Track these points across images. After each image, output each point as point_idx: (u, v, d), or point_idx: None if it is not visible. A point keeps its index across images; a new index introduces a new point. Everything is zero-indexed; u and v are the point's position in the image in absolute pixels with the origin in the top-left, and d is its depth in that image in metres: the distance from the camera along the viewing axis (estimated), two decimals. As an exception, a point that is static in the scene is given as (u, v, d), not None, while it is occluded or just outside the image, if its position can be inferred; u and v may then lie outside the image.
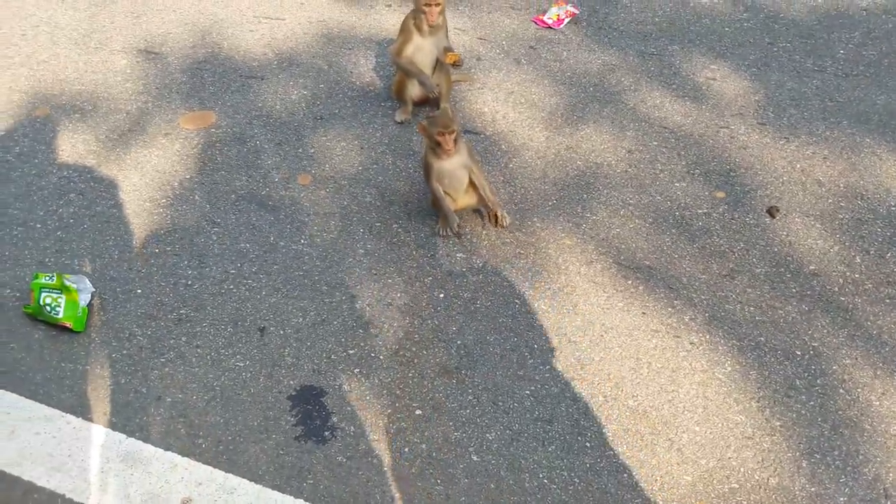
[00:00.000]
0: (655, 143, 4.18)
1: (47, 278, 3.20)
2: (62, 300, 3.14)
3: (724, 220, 3.71)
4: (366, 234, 3.66)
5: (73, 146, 4.11)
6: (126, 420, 2.86)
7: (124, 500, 2.62)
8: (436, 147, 3.41)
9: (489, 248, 3.58)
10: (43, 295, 3.14)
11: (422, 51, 4.16)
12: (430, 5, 4.03)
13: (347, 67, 4.72)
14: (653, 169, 4.01)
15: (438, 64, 4.23)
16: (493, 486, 2.68)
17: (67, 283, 3.20)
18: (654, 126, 4.29)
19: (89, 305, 3.22)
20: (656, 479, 2.68)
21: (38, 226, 3.65)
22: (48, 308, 3.13)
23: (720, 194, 3.87)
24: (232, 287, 3.38)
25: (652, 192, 3.86)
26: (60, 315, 3.12)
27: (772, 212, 3.76)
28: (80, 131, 4.20)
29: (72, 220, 3.68)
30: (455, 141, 3.39)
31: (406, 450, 2.79)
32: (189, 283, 3.40)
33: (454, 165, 3.50)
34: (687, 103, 4.46)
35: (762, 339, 3.16)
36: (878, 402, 2.91)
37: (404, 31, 4.17)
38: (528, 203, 3.81)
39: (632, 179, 3.94)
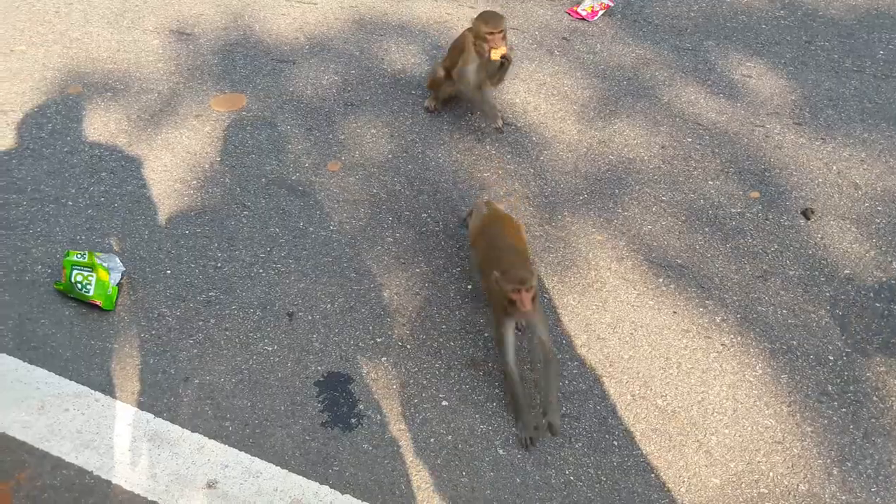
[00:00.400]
0: (689, 139, 4.13)
1: (79, 256, 3.22)
2: (93, 278, 3.15)
3: (757, 220, 3.66)
4: (395, 223, 3.65)
5: (104, 125, 4.12)
6: (154, 400, 2.88)
7: (151, 479, 2.64)
8: (509, 305, 2.77)
9: (518, 241, 3.55)
10: (74, 272, 3.16)
11: (480, 73, 3.93)
12: (493, 33, 3.74)
13: (379, 54, 4.69)
14: (686, 166, 3.96)
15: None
16: (518, 480, 2.67)
17: (99, 262, 3.21)
18: (688, 122, 4.23)
19: (119, 285, 3.24)
20: (684, 481, 2.66)
21: (70, 203, 3.67)
22: (79, 286, 3.14)
23: (754, 194, 3.81)
24: (261, 271, 3.38)
25: (685, 190, 3.81)
26: (91, 293, 3.14)
27: (807, 213, 3.69)
28: (112, 110, 4.22)
29: (103, 199, 3.69)
30: (533, 299, 2.77)
31: (432, 440, 2.78)
32: (218, 265, 3.41)
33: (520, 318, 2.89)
34: (722, 100, 4.39)
35: (794, 342, 3.12)
36: (912, 412, 2.86)
37: (465, 52, 3.89)
38: (559, 197, 3.78)
39: (665, 176, 3.89)
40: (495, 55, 3.77)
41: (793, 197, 3.79)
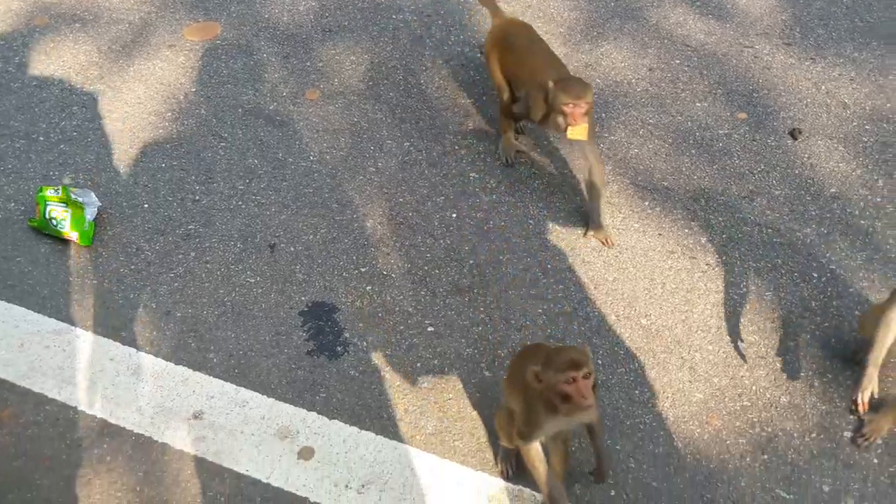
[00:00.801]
0: (677, 61, 4.03)
1: (53, 191, 3.14)
2: (68, 214, 3.08)
3: (744, 141, 3.61)
4: (376, 152, 3.57)
5: (74, 57, 3.97)
6: (136, 334, 2.85)
7: (136, 412, 2.63)
8: (558, 399, 2.12)
9: (503, 169, 3.49)
10: (49, 208, 3.09)
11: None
12: (575, 104, 2.95)
13: (356, -21, 4.52)
14: (674, 88, 3.88)
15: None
16: (503, 399, 2.68)
17: (74, 197, 3.14)
18: (676, 44, 4.13)
19: (95, 220, 3.17)
20: (668, 396, 2.68)
21: (41, 139, 3.57)
22: (54, 222, 3.08)
23: (742, 115, 3.74)
24: (241, 203, 3.32)
25: (672, 112, 3.74)
26: (66, 229, 3.08)
27: (794, 134, 3.64)
28: (82, 42, 4.06)
29: (75, 133, 3.59)
30: (594, 386, 2.15)
31: (418, 365, 2.78)
32: (197, 198, 3.34)
33: (577, 421, 2.27)
34: (711, 21, 4.27)
35: (779, 260, 3.11)
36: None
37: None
38: (543, 121, 3.70)
39: (652, 99, 3.81)
40: (574, 134, 3.00)
41: (780, 117, 3.73)
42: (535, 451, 2.27)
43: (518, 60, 3.35)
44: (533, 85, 3.15)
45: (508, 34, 3.46)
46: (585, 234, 3.18)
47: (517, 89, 3.37)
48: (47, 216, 3.09)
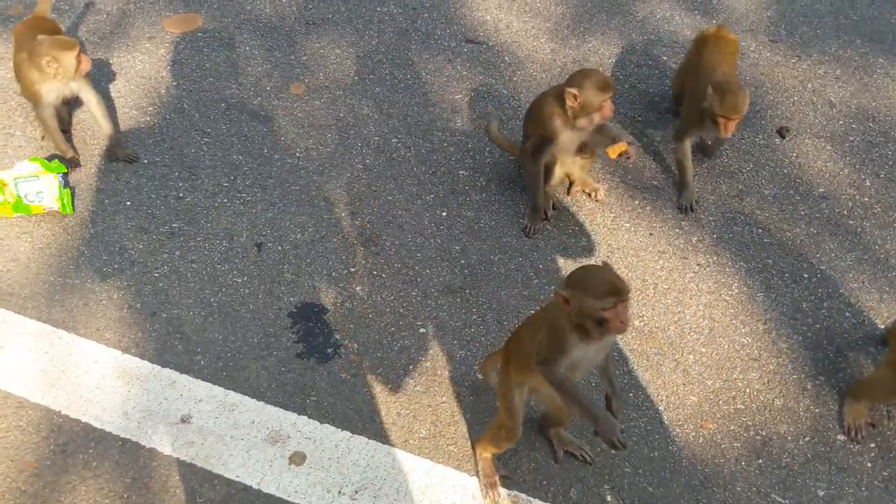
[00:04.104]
0: (665, 57, 4.02)
1: (18, 169, 3.08)
2: (43, 185, 3.04)
3: (733, 139, 3.60)
4: (364, 148, 3.51)
5: (49, 48, 3.84)
6: (120, 336, 2.78)
7: (122, 416, 2.57)
8: (592, 324, 1.99)
9: (493, 167, 3.46)
10: (21, 185, 3.03)
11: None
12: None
13: (341, -30, 4.44)
14: (661, 85, 3.86)
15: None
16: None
17: (47, 160, 3.13)
18: (663, 40, 4.11)
19: (70, 187, 3.16)
20: (662, 399, 2.67)
21: (18, 133, 3.46)
22: (29, 197, 3.01)
23: (730, 113, 3.74)
24: (226, 200, 3.25)
25: (661, 110, 3.73)
26: (45, 201, 3.03)
27: (782, 132, 3.65)
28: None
29: (52, 128, 3.48)
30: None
31: (410, 367, 2.75)
32: (180, 195, 3.26)
33: (604, 349, 2.19)
34: (697, 17, 4.26)
35: (770, 261, 3.12)
36: (883, 326, 2.90)
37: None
38: (533, 118, 3.66)
39: (641, 96, 3.79)
40: (612, 154, 3.01)
41: (768, 116, 3.73)
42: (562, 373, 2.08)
43: None
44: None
45: None
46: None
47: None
48: (21, 193, 3.01)
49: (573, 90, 2.88)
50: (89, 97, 3.25)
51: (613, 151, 3.01)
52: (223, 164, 3.39)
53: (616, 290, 1.95)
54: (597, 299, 1.94)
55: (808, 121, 3.71)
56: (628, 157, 3.02)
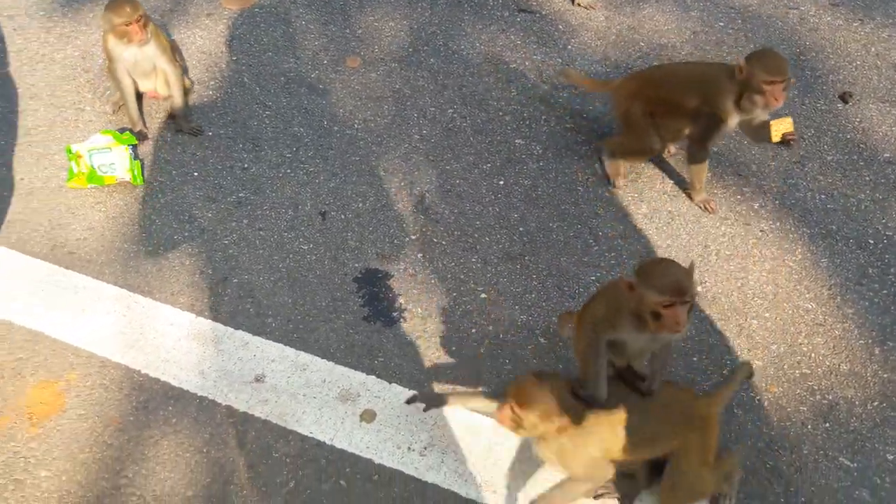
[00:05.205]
0: (721, 23, 3.96)
1: (93, 140, 3.20)
2: (115, 157, 3.16)
3: (793, 105, 3.55)
4: (420, 119, 3.55)
5: (114, 26, 3.95)
6: (193, 300, 2.88)
7: (199, 376, 2.67)
8: (650, 316, 2.01)
9: (549, 135, 3.47)
10: (94, 157, 3.14)
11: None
12: (775, 82, 2.72)
13: (393, -57, 4.45)
14: (719, 51, 3.82)
15: None
16: (561, 366, 2.69)
17: (119, 132, 3.26)
18: (719, 6, 4.06)
19: (140, 159, 3.28)
20: (726, 363, 2.68)
21: (87, 108, 3.57)
22: (103, 168, 3.13)
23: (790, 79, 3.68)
24: (289, 171, 3.32)
25: (719, 76, 3.68)
26: (117, 172, 3.15)
27: (844, 97, 3.59)
28: (121, 10, 4.03)
29: (121, 104, 3.59)
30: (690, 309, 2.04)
31: (473, 331, 2.80)
32: (245, 166, 3.34)
33: (659, 342, 2.20)
34: (755, -17, 4.19)
35: (833, 227, 3.08)
36: (952, 291, 2.85)
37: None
38: (589, 87, 3.66)
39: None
40: (776, 134, 2.75)
41: (830, 81, 3.67)
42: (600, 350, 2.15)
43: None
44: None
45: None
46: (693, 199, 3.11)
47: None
48: (94, 164, 3.13)
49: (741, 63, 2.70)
50: (165, 67, 3.34)
51: (777, 132, 2.74)
52: (285, 135, 3.47)
53: (679, 289, 1.94)
54: (658, 294, 1.95)
55: (871, 85, 3.63)
56: (792, 138, 2.73)
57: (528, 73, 3.73)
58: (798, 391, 2.61)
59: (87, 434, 2.53)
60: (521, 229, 3.12)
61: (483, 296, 2.91)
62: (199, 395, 2.62)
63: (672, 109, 2.92)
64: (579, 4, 3.31)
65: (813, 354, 2.70)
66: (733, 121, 2.82)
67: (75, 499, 2.39)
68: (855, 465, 2.44)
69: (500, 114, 3.56)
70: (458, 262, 3.01)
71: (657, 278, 1.97)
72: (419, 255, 3.03)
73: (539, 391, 2.05)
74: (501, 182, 3.30)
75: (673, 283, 1.95)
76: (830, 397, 2.59)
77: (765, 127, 2.81)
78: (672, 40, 3.87)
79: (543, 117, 3.53)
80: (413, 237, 3.10)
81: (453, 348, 2.75)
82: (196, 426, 2.55)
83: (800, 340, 2.74)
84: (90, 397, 2.62)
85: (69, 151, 3.19)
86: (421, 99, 3.64)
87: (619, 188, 3.19)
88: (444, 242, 3.08)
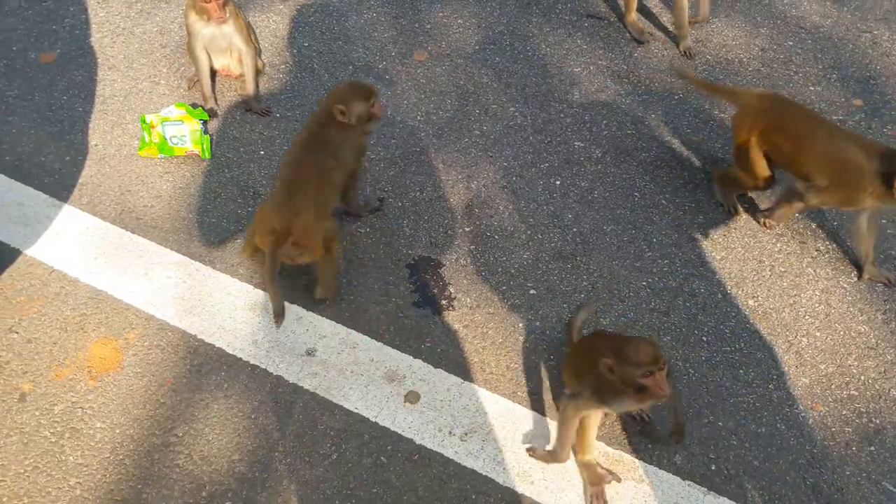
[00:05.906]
0: (791, 42, 3.93)
1: (166, 112, 3.33)
2: (187, 129, 3.28)
3: (859, 129, 3.51)
4: (482, 115, 3.60)
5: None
6: (252, 272, 2.98)
7: (252, 345, 2.76)
8: (634, 391, 2.18)
9: (609, 139, 3.49)
10: (167, 128, 3.27)
11: None
12: None
13: (466, -58, 4.52)
14: (786, 70, 3.79)
15: None
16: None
17: (191, 106, 3.37)
18: (789, 25, 4.03)
19: (209, 134, 3.40)
20: (773, 378, 2.67)
21: (163, 82, 3.71)
22: (174, 139, 3.26)
23: (858, 102, 3.64)
24: (351, 156, 3.40)
25: (784, 94, 3.66)
26: (188, 143, 3.28)
27: (913, 125, 3.52)
28: (200, -9, 4.18)
29: (196, 79, 3.72)
30: (668, 374, 2.21)
31: (520, 325, 2.83)
32: (309, 148, 3.43)
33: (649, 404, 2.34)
34: (827, 3, 4.15)
35: (893, 252, 3.04)
36: None
37: None
38: (652, 96, 3.67)
39: (764, 79, 3.74)
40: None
41: (899, 107, 3.61)
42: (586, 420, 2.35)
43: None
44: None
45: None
46: (860, 277, 2.93)
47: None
48: (167, 135, 3.26)
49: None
50: (241, 46, 3.46)
51: None
52: (348, 121, 3.54)
53: (652, 360, 2.12)
54: (634, 367, 2.13)
55: (942, 114, 3.57)
56: None
57: (593, 77, 3.75)
58: (844, 412, 2.59)
59: (141, 391, 2.64)
60: (574, 230, 3.15)
61: (532, 292, 2.95)
62: (251, 363, 2.71)
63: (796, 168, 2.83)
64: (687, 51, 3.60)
65: (862, 377, 2.67)
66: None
67: (127, 451, 2.50)
68: (899, 491, 2.41)
69: (561, 115, 3.60)
70: (510, 256, 3.05)
71: (630, 355, 2.15)
72: (471, 247, 3.08)
73: None
74: (558, 182, 3.33)
75: (646, 354, 2.13)
76: (878, 421, 2.56)
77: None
78: (739, 55, 3.86)
79: (604, 122, 3.55)
80: (467, 229, 3.15)
81: (499, 340, 2.79)
82: (246, 393, 2.64)
83: (850, 362, 2.71)
84: (147, 357, 2.72)
85: (143, 121, 3.32)
86: (484, 96, 3.69)
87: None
88: (496, 237, 3.12)
